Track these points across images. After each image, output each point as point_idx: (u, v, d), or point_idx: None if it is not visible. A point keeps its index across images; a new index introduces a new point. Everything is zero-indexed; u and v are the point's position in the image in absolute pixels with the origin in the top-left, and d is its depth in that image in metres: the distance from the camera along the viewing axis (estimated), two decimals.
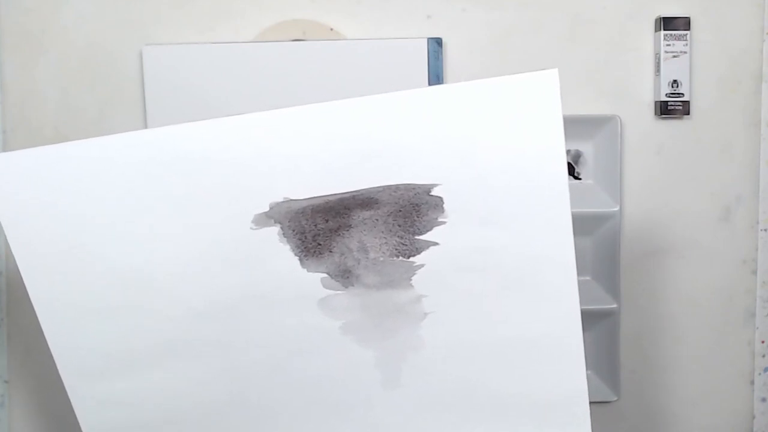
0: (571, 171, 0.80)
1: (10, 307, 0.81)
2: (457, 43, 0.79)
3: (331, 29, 0.79)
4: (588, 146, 0.80)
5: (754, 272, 0.81)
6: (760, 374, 0.82)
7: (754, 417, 0.83)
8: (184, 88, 0.78)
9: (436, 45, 0.78)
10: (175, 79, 0.78)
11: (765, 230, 0.81)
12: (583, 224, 0.79)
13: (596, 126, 0.79)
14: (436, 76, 0.78)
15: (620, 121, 0.78)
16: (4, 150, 0.80)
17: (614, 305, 0.79)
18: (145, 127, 0.78)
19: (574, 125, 0.78)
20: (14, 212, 0.56)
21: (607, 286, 0.80)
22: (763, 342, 0.82)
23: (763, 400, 0.83)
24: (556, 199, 0.53)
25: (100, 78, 0.79)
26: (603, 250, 0.80)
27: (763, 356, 0.82)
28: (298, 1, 0.79)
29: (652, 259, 0.81)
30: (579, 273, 0.79)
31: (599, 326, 0.81)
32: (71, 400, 0.61)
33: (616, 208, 0.79)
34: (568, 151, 0.80)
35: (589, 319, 0.79)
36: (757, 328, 0.82)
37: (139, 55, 0.79)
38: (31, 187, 0.55)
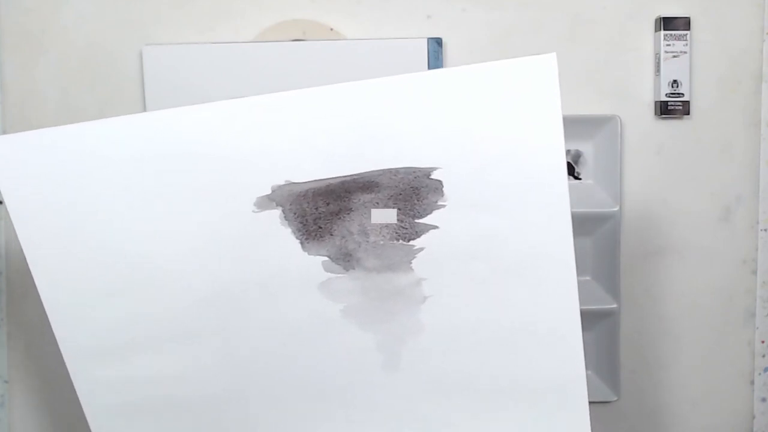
0: (571, 171, 0.80)
1: (10, 307, 0.81)
2: (457, 43, 0.79)
3: (331, 29, 0.79)
4: (588, 146, 0.80)
5: (754, 272, 0.81)
6: (760, 374, 0.82)
7: (754, 417, 0.83)
8: (184, 88, 0.78)
9: (436, 45, 0.78)
10: (175, 79, 0.78)
11: (765, 230, 0.81)
12: (583, 224, 0.79)
13: (596, 126, 0.79)
14: None
15: (620, 121, 0.78)
16: None
17: (614, 305, 0.79)
18: None
19: (574, 125, 0.78)
20: (19, 194, 0.57)
21: (607, 286, 0.80)
22: (763, 342, 0.82)
23: (763, 400, 0.83)
24: (554, 187, 0.54)
25: (100, 78, 0.79)
26: (603, 250, 0.80)
27: (763, 356, 0.82)
28: (298, 1, 0.79)
29: (652, 259, 0.81)
30: (579, 273, 0.80)
31: (599, 326, 0.80)
32: (74, 384, 0.61)
33: (616, 208, 0.79)
34: (568, 151, 0.80)
35: (589, 319, 0.79)
36: (757, 328, 0.82)
37: (139, 55, 0.79)
38: (35, 169, 0.56)
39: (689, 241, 0.81)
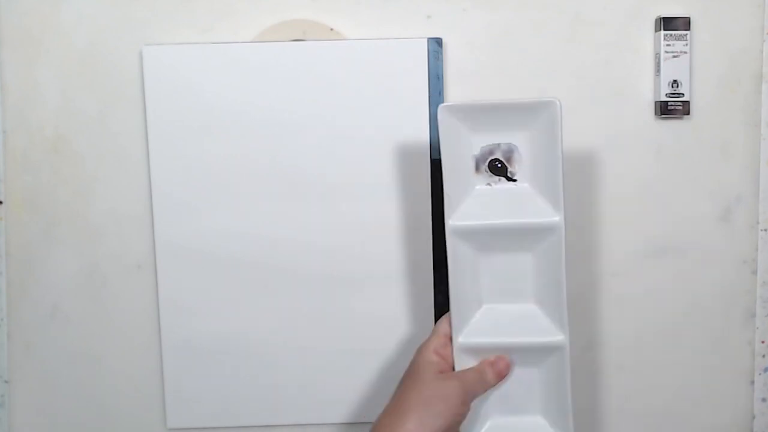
0: (503, 172, 0.66)
1: (11, 307, 0.81)
2: (457, 43, 0.79)
3: (331, 29, 0.79)
4: (523, 139, 0.65)
5: (754, 272, 0.81)
6: (760, 374, 0.82)
7: (754, 417, 0.83)
8: (184, 88, 0.78)
9: (436, 45, 0.78)
10: (175, 79, 0.78)
11: (765, 230, 0.81)
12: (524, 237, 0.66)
13: (531, 114, 0.64)
14: (436, 76, 0.78)
15: (560, 105, 0.62)
16: (4, 150, 0.80)
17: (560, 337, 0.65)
18: (145, 127, 0.78)
19: (502, 114, 0.64)
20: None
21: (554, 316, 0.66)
22: (763, 342, 0.82)
23: (763, 400, 0.83)
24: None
25: (100, 78, 0.79)
26: (546, 270, 0.66)
27: (763, 356, 0.82)
28: (298, 1, 0.79)
29: (651, 259, 0.81)
30: (519, 298, 0.68)
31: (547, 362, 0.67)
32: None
33: (557, 218, 0.64)
34: (497, 146, 0.66)
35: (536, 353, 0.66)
36: (757, 328, 0.82)
37: (139, 55, 0.79)
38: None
39: (689, 241, 0.81)
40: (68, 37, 0.79)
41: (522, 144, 0.65)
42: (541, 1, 0.79)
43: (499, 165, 0.65)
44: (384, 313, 0.79)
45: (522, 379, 0.66)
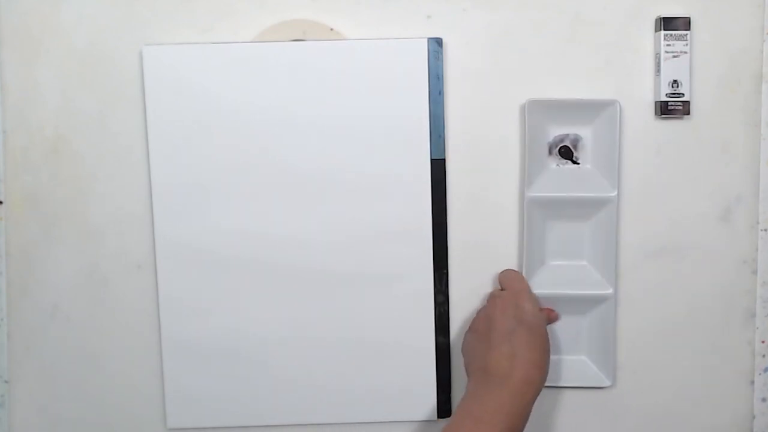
0: (570, 155, 0.79)
1: (10, 307, 0.81)
2: (457, 43, 0.79)
3: (331, 29, 0.79)
4: (587, 131, 0.80)
5: (754, 272, 0.81)
6: (760, 374, 0.82)
7: (754, 417, 0.83)
8: (184, 88, 0.78)
9: (436, 45, 0.78)
10: (175, 79, 0.78)
11: (765, 230, 0.81)
12: (580, 208, 0.79)
13: (596, 111, 0.78)
14: (436, 76, 0.78)
15: (620, 106, 0.77)
16: (4, 150, 0.80)
17: (610, 290, 0.79)
18: (145, 127, 0.78)
19: (573, 110, 0.78)
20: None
21: (603, 272, 0.80)
22: (763, 342, 0.82)
23: (763, 400, 0.83)
24: None
25: (100, 78, 0.79)
26: (600, 235, 0.80)
27: (763, 356, 0.82)
28: (298, 1, 0.79)
29: (652, 259, 0.81)
30: (575, 257, 0.79)
31: (594, 311, 0.80)
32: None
33: (614, 193, 0.78)
34: (566, 135, 0.79)
35: (585, 303, 0.80)
36: (757, 328, 0.82)
37: (139, 55, 0.79)
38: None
39: (689, 241, 0.81)
40: (68, 37, 0.79)
41: (586, 135, 0.79)
42: (541, 1, 0.79)
43: (567, 151, 0.79)
44: (384, 314, 0.79)
45: (571, 325, 0.80)
